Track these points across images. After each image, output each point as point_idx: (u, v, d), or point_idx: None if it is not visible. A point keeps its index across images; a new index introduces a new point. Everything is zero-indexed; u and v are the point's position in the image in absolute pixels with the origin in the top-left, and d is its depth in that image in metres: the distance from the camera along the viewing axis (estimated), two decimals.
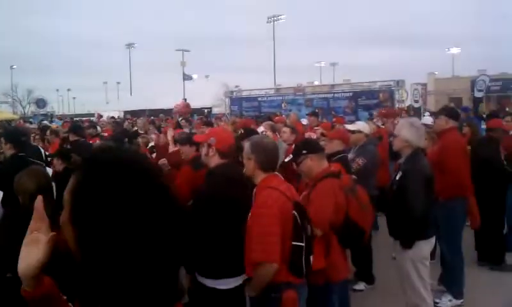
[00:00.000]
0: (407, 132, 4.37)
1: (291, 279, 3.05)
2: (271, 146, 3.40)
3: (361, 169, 5.82)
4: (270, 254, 2.93)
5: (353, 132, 6.35)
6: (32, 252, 1.15)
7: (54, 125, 14.34)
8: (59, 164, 5.66)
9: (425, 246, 4.30)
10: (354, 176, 4.62)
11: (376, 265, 6.12)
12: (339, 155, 5.30)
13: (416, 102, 22.99)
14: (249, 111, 24.33)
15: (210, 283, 3.34)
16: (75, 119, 24.72)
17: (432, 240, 4.45)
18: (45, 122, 20.30)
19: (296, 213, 3.05)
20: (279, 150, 3.71)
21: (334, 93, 23.20)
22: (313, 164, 3.84)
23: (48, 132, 10.13)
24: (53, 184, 3.45)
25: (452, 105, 14.44)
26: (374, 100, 20.67)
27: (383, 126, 10.05)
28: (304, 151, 3.89)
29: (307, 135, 7.79)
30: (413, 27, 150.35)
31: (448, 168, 5.20)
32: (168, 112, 26.07)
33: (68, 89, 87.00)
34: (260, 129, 7.00)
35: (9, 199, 3.81)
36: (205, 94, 40.27)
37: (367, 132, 6.64)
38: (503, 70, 39.71)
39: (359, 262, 5.97)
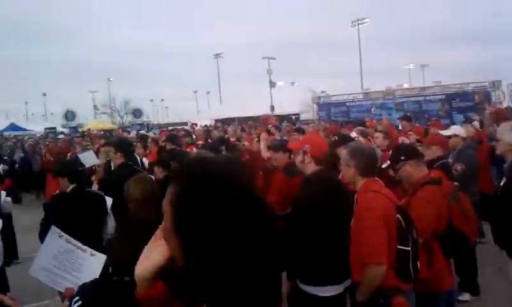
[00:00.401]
0: (509, 136, 4.17)
1: (399, 285, 3.01)
2: (370, 152, 3.40)
3: (460, 175, 5.58)
4: (378, 255, 2.93)
5: (449, 137, 6.12)
6: (151, 257, 1.24)
7: (151, 134, 15.18)
8: (159, 172, 5.95)
9: None
10: (456, 183, 4.45)
11: (481, 275, 5.82)
12: (440, 162, 5.12)
13: None
14: (338, 116, 23.97)
15: (311, 289, 3.37)
16: (169, 128, 25.92)
17: None
18: (143, 131, 21.52)
19: (400, 217, 3.02)
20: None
21: (425, 95, 22.26)
22: (413, 170, 3.76)
23: (149, 140, 10.76)
24: None
25: None
26: (469, 103, 19.56)
27: (481, 130, 9.52)
28: (402, 157, 3.82)
29: (400, 140, 7.60)
30: (503, 26, 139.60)
31: None
32: (256, 119, 26.56)
33: (162, 100, 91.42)
34: (353, 135, 6.95)
35: (119, 205, 4.11)
36: (292, 100, 40.41)
37: (463, 135, 6.36)
38: None
39: (463, 272, 5.69)
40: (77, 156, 9.69)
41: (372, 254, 2.94)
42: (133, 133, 20.44)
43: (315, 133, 7.98)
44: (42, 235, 4.28)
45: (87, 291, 2.19)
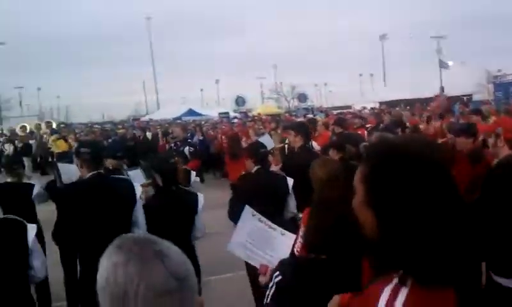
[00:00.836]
0: None
1: None
2: None
3: None
4: None
5: None
6: None
7: (318, 118, 15.42)
8: (334, 154, 6.13)
9: None
10: None
11: None
12: None
13: None
14: None
15: (506, 282, 3.21)
16: (335, 112, 26.04)
17: None
18: (309, 115, 21.98)
19: None
20: None
21: None
22: None
23: (319, 124, 11.01)
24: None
25: None
26: None
27: None
28: None
29: None
30: None
31: None
32: (424, 101, 25.21)
33: (325, 84, 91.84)
34: None
35: (302, 186, 4.24)
36: (462, 81, 37.35)
37: None
38: None
39: None
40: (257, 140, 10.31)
41: None
42: (300, 117, 20.90)
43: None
44: (232, 213, 4.69)
45: (287, 267, 2.32)
